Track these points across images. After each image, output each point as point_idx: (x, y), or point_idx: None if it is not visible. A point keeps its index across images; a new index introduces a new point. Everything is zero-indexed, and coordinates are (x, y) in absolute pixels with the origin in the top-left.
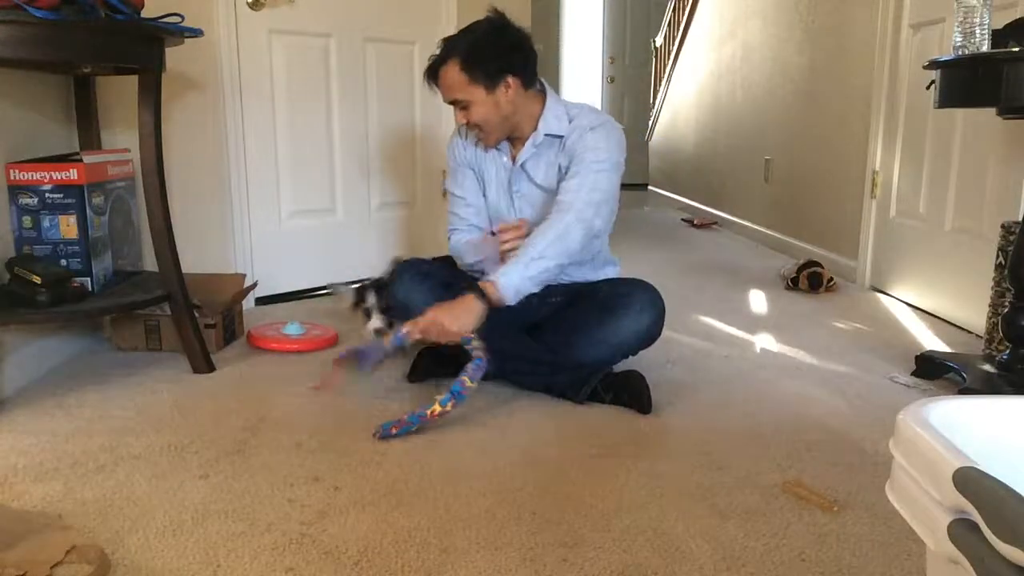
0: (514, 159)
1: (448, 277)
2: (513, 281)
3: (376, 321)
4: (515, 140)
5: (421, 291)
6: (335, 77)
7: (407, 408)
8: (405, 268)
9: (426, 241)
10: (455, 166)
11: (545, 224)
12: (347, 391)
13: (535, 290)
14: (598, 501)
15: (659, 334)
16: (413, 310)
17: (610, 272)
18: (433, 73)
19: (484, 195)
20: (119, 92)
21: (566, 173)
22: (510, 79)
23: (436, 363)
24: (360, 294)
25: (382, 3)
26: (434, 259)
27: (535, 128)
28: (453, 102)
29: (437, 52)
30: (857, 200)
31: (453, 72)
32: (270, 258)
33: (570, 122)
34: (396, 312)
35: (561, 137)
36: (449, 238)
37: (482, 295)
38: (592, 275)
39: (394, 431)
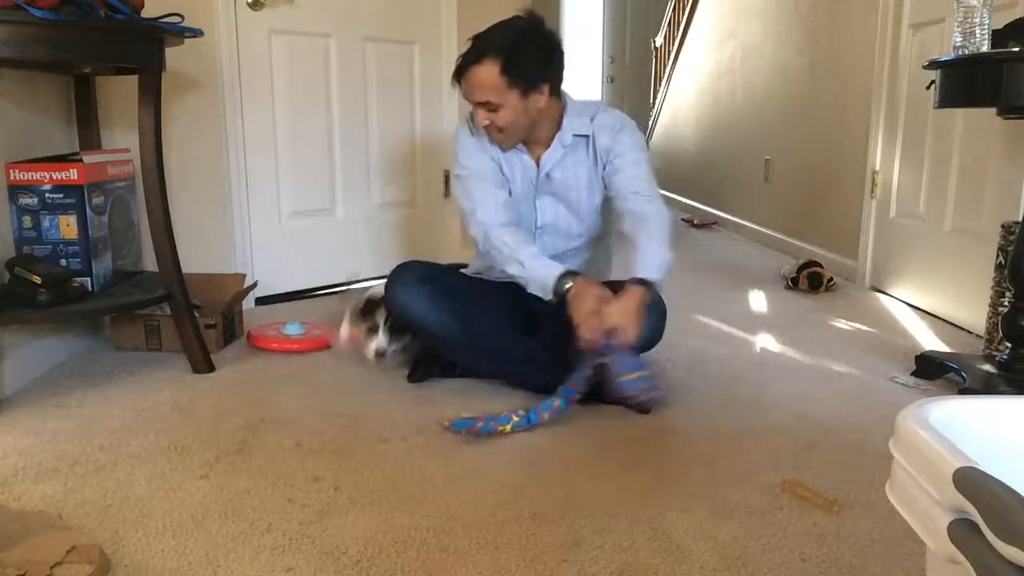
0: (538, 161)
1: (450, 283)
2: (657, 264)
3: (381, 340)
4: (531, 142)
5: (420, 296)
6: (335, 77)
7: (406, 409)
8: (403, 270)
9: (427, 241)
10: (472, 155)
11: (653, 225)
12: (346, 392)
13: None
14: (598, 501)
15: (660, 338)
16: (411, 316)
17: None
18: (465, 70)
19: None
20: (119, 92)
21: (604, 169)
22: (545, 87)
23: (436, 364)
24: (370, 306)
25: (382, 3)
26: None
27: (558, 129)
28: (482, 103)
29: (469, 48)
30: (857, 200)
31: (491, 73)
32: (270, 258)
33: (591, 120)
34: (393, 318)
35: (586, 136)
36: (477, 229)
37: (641, 283)
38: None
39: (468, 432)
